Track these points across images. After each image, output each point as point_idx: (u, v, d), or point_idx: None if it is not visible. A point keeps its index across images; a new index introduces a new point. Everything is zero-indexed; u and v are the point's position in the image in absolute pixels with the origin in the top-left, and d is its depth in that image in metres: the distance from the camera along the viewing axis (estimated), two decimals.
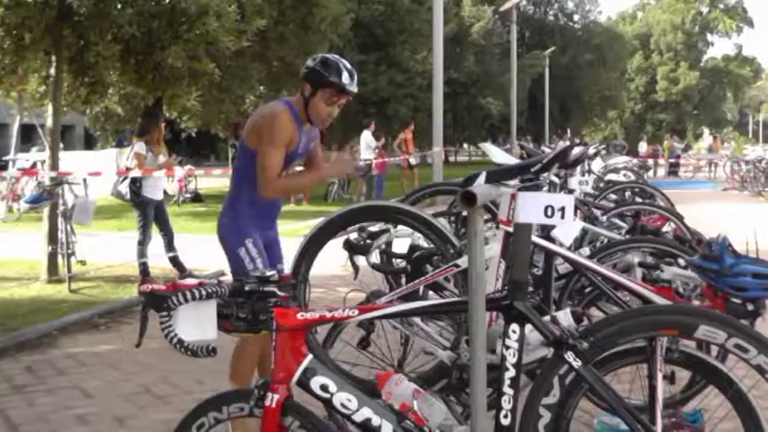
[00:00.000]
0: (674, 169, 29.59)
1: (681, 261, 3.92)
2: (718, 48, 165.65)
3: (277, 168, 3.63)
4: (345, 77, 3.66)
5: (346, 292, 3.39)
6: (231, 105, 14.88)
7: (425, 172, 20.16)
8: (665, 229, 6.05)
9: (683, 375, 3.55)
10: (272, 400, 2.22)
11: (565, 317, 2.60)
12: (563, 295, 4.05)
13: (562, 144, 25.26)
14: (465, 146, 46.98)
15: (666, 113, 57.57)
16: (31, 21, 7.47)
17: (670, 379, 3.43)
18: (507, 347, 2.29)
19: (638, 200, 7.57)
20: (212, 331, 2.20)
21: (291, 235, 6.35)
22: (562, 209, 2.32)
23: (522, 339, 2.31)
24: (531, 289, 3.27)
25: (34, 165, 16.37)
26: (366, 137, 18.05)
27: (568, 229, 3.71)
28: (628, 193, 7.91)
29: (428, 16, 21.40)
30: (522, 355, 2.31)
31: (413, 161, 19.66)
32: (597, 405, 3.28)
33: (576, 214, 4.50)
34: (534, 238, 3.39)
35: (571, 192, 5.91)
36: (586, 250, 4.81)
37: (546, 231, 3.91)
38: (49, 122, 8.45)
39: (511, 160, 3.90)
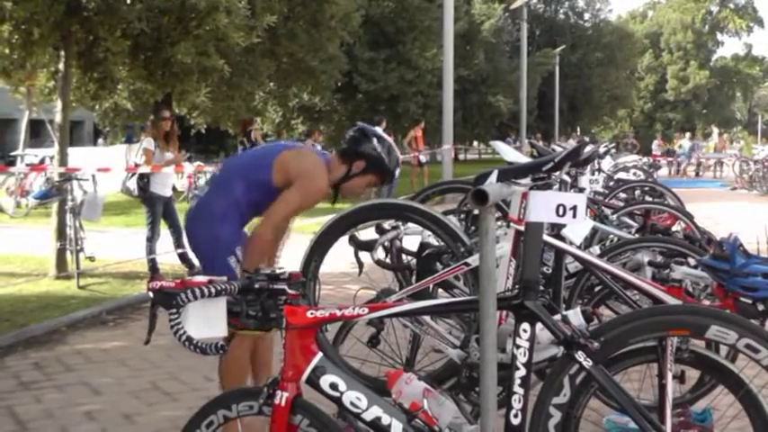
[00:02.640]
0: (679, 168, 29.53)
1: (691, 260, 3.89)
2: (728, 47, 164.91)
3: (287, 219, 3.61)
4: (397, 170, 3.65)
5: (356, 290, 3.38)
6: (241, 102, 14.90)
7: (435, 170, 20.14)
8: (674, 228, 6.03)
9: (693, 375, 3.53)
10: (282, 398, 2.21)
11: (575, 316, 2.58)
12: (573, 294, 4.03)
13: (572, 143, 25.16)
14: (475, 144, 46.93)
15: (676, 112, 57.38)
16: (40, 16, 7.48)
17: (680, 379, 3.41)
18: (518, 347, 2.27)
19: (648, 199, 7.53)
20: (222, 329, 2.19)
21: (301, 232, 6.34)
22: (574, 208, 2.30)
23: (533, 339, 2.29)
24: (541, 288, 3.25)
25: (43, 160, 16.42)
26: None
27: (579, 227, 3.68)
28: (638, 192, 7.87)
29: (438, 14, 21.38)
30: (532, 354, 2.29)
31: (423, 159, 19.64)
32: (606, 404, 3.27)
33: (586, 213, 4.48)
34: (545, 237, 3.37)
35: (581, 190, 5.89)
36: (596, 249, 4.78)
37: (556, 230, 3.89)
38: (58, 118, 8.47)
39: (522, 159, 3.88)
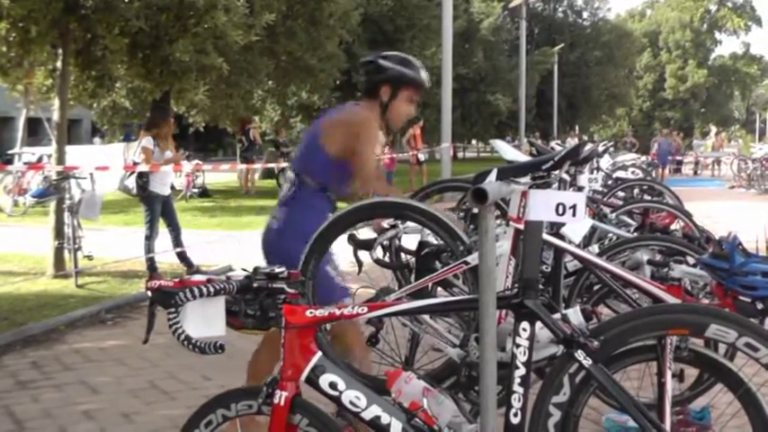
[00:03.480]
0: (678, 167, 29.51)
1: (690, 259, 3.89)
2: (726, 46, 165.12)
3: (374, 170, 3.65)
4: (423, 73, 3.71)
5: (355, 289, 3.37)
6: (239, 100, 14.90)
7: (434, 168, 20.14)
8: (673, 226, 6.03)
9: (691, 372, 3.53)
10: (281, 397, 2.21)
11: (575, 315, 2.57)
12: (572, 293, 4.03)
13: (571, 141, 24.96)
14: (473, 142, 46.95)
15: (674, 111, 57.41)
16: (38, 13, 7.47)
17: (679, 377, 3.41)
18: (518, 346, 2.27)
19: (647, 197, 7.53)
20: (221, 328, 2.18)
21: None
22: (573, 206, 2.30)
23: (533, 338, 2.29)
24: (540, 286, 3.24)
25: (40, 159, 16.40)
26: None
27: (578, 226, 3.68)
28: (636, 191, 7.87)
29: (437, 12, 21.35)
30: (532, 353, 2.29)
31: (421, 157, 19.64)
32: (605, 402, 3.26)
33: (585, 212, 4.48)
34: (544, 236, 3.36)
35: (580, 189, 5.88)
36: (595, 248, 4.77)
37: (556, 228, 3.89)
38: (56, 116, 8.45)
39: (521, 157, 3.88)
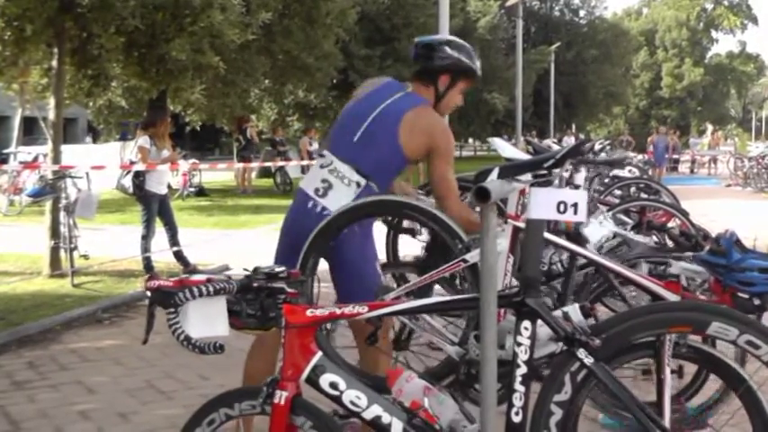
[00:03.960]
0: (674, 165, 29.55)
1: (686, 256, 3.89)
2: (723, 44, 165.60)
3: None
4: (479, 63, 3.60)
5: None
6: (236, 99, 14.87)
7: None
8: (670, 224, 6.03)
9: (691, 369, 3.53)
10: (281, 397, 2.20)
11: (574, 312, 2.56)
12: (573, 291, 4.03)
13: (568, 140, 24.84)
14: (470, 141, 46.96)
15: (671, 110, 57.53)
16: (33, 12, 7.44)
17: (678, 373, 3.41)
18: (519, 344, 2.26)
19: (644, 196, 7.53)
20: (224, 328, 2.17)
21: None
22: (575, 205, 2.29)
23: (534, 336, 2.27)
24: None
25: (36, 158, 16.35)
26: None
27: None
28: (633, 189, 7.87)
29: (434, 10, 21.34)
30: (533, 351, 2.28)
31: None
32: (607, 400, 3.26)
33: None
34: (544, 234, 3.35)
35: (577, 187, 5.88)
36: (591, 246, 4.77)
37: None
38: (52, 115, 8.42)
39: (520, 155, 3.87)
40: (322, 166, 3.36)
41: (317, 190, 3.32)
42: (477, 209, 2.37)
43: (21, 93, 11.64)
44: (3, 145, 23.70)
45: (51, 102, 8.44)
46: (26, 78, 9.90)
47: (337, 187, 3.31)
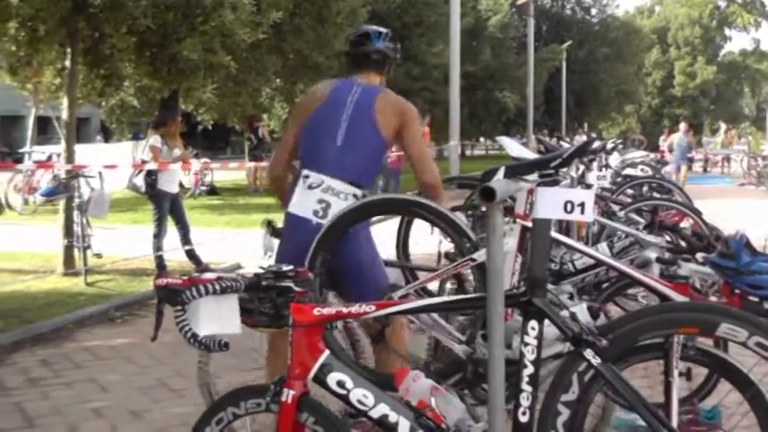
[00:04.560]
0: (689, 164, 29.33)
1: (698, 257, 3.88)
2: (736, 42, 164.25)
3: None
4: None
5: None
6: (247, 98, 14.90)
7: (442, 165, 20.09)
8: (682, 224, 6.00)
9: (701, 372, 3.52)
10: (288, 395, 2.21)
11: (582, 312, 2.57)
12: (581, 290, 4.03)
13: (579, 139, 24.67)
14: (481, 139, 46.88)
15: (683, 108, 57.10)
16: (46, 12, 7.49)
17: (686, 376, 3.40)
18: (526, 344, 2.26)
19: (656, 195, 7.50)
20: (235, 326, 2.19)
21: None
22: (582, 204, 2.29)
23: (542, 336, 2.28)
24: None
25: (50, 157, 16.45)
26: None
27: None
28: (645, 188, 7.84)
29: (445, 9, 21.34)
30: (540, 351, 2.28)
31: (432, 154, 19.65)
32: (613, 400, 3.26)
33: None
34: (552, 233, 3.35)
35: (588, 186, 5.87)
36: (604, 246, 4.76)
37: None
38: (65, 115, 8.48)
39: (528, 154, 3.87)
40: (311, 187, 3.29)
41: (315, 212, 3.27)
42: (483, 208, 2.38)
43: (35, 93, 11.70)
44: (17, 144, 23.86)
45: (64, 101, 8.50)
46: (40, 78, 9.96)
47: (336, 204, 3.28)
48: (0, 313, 6.53)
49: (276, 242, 3.57)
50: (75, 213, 8.10)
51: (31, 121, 17.59)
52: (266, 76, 14.64)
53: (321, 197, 3.29)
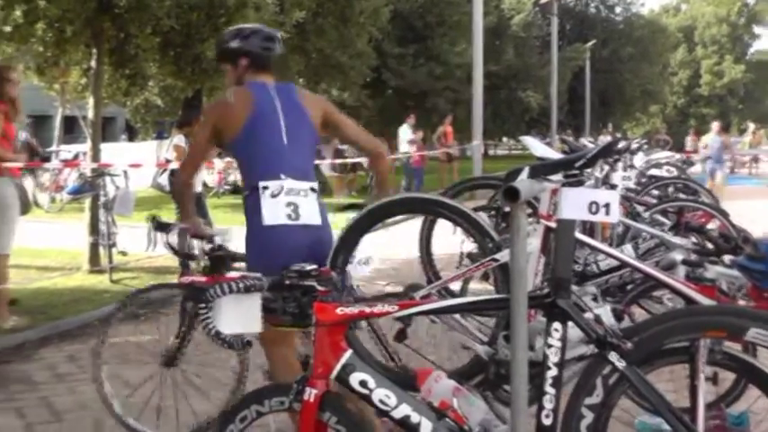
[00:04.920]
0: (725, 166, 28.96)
1: (725, 259, 3.83)
2: (766, 40, 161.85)
3: None
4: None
5: (384, 285, 3.37)
6: None
7: (465, 165, 20.05)
8: (709, 226, 5.93)
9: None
10: (311, 394, 2.21)
11: (606, 314, 2.55)
12: (605, 292, 4.00)
13: (603, 139, 24.21)
14: (504, 139, 46.70)
15: (710, 108, 56.54)
16: (72, 13, 7.57)
17: (713, 380, 3.35)
18: (549, 346, 2.25)
19: (682, 196, 7.42)
20: (256, 325, 2.20)
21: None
22: (606, 205, 2.27)
23: (565, 338, 2.26)
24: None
25: (76, 156, 16.63)
26: (404, 130, 18.08)
27: None
28: (671, 189, 7.76)
29: (468, 8, 21.29)
30: (564, 353, 2.26)
31: (452, 154, 19.60)
32: (638, 404, 3.22)
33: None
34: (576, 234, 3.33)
35: (613, 187, 5.82)
36: (629, 247, 4.72)
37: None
38: (91, 114, 8.56)
39: (552, 154, 3.84)
40: (274, 196, 3.25)
41: (289, 216, 3.24)
42: (507, 208, 2.36)
43: (61, 92, 11.84)
44: (44, 144, 24.09)
45: (90, 101, 8.59)
46: (66, 78, 10.07)
47: (302, 203, 3.28)
48: (27, 309, 6.61)
49: (160, 236, 3.69)
50: (101, 212, 8.18)
51: (58, 121, 17.76)
52: (289, 76, 14.68)
53: (287, 201, 3.26)
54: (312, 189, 3.34)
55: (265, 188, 3.23)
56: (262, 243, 3.26)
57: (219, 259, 3.59)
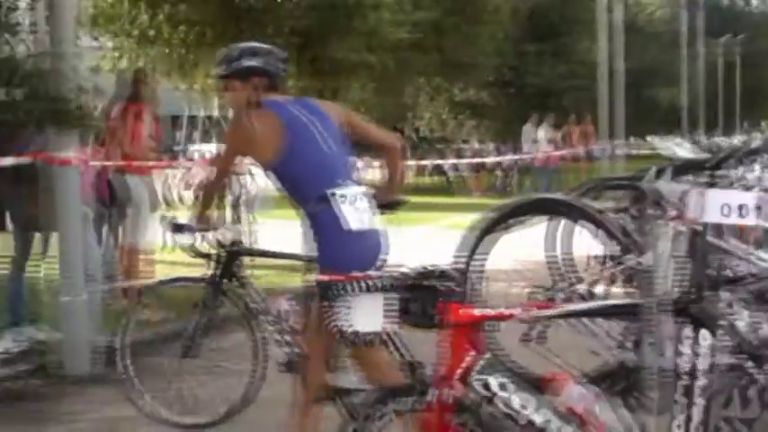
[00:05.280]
0: None
1: None
2: None
3: None
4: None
5: (523, 287, 3.33)
6: (400, 98, 15.06)
7: (600, 165, 19.53)
8: None
9: None
10: (445, 396, 2.20)
11: (744, 322, 2.43)
12: (743, 300, 3.79)
13: (742, 138, 22.80)
14: (637, 139, 45.02)
15: None
16: (212, 17, 7.91)
17: None
18: (683, 353, 2.16)
19: None
20: (379, 323, 2.23)
21: (456, 227, 6.27)
22: (746, 207, 2.17)
23: (699, 345, 2.17)
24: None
25: (202, 155, 17.25)
26: (529, 130, 18.00)
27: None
28: None
29: (601, 4, 20.70)
30: (698, 362, 2.18)
31: (590, 153, 19.21)
32: None
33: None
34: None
35: (749, 188, 5.49)
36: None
37: None
38: (219, 113, 8.88)
39: (689, 154, 3.70)
40: (350, 202, 3.31)
41: (363, 220, 3.32)
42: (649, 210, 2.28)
43: (201, 94, 12.37)
44: (178, 143, 25.22)
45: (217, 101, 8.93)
46: (205, 80, 10.50)
47: (362, 208, 3.33)
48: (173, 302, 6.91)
49: (179, 238, 4.02)
50: (242, 209, 8.41)
51: (199, 121, 18.50)
52: (420, 75, 14.78)
53: (358, 206, 3.34)
54: (364, 194, 3.41)
55: (333, 194, 3.29)
56: (347, 247, 3.29)
57: (235, 255, 3.99)
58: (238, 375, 4.16)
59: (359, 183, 3.51)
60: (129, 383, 4.24)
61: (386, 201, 3.59)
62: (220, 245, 4.04)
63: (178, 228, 4.02)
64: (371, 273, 2.29)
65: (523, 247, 3.89)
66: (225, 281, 4.09)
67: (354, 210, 3.31)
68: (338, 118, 3.50)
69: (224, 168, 3.87)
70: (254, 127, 3.40)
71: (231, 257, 4.09)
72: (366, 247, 3.31)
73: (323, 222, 3.31)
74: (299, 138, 3.37)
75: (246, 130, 3.45)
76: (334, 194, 3.29)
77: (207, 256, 4.04)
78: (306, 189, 3.37)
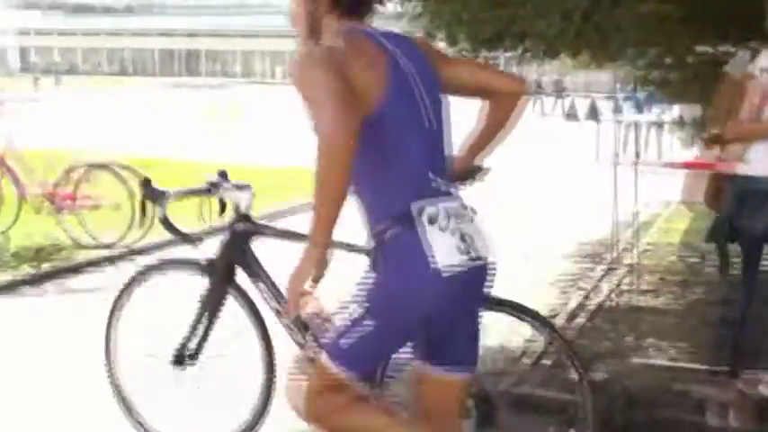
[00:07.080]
0: None
1: None
2: None
3: None
4: None
5: None
6: None
7: None
8: None
9: None
10: None
11: None
12: None
13: None
14: None
15: None
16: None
17: None
18: None
19: None
20: None
21: None
22: None
23: None
24: None
25: None
26: None
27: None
28: None
29: None
30: None
31: None
32: None
33: None
34: None
35: None
36: None
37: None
38: None
39: None
40: (433, 222, 2.00)
41: (460, 249, 2.04)
42: None
43: None
44: None
45: None
46: None
47: (473, 230, 2.09)
48: None
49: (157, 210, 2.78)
50: None
51: None
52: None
53: (452, 228, 2.04)
54: (464, 206, 2.12)
55: (420, 213, 2.01)
56: (423, 291, 2.02)
57: (244, 235, 2.75)
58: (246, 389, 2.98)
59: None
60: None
61: (465, 168, 2.36)
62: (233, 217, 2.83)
63: (155, 195, 2.83)
64: None
65: None
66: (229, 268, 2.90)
67: (436, 234, 2.02)
68: (435, 66, 2.16)
69: (354, 116, 1.97)
70: (339, 51, 1.99)
71: (238, 238, 2.85)
72: (456, 289, 2.05)
73: (389, 254, 2.04)
74: (398, 94, 2.03)
75: (333, 53, 1.98)
76: (420, 211, 2.02)
77: (188, 239, 2.90)
78: (389, 187, 2.07)
